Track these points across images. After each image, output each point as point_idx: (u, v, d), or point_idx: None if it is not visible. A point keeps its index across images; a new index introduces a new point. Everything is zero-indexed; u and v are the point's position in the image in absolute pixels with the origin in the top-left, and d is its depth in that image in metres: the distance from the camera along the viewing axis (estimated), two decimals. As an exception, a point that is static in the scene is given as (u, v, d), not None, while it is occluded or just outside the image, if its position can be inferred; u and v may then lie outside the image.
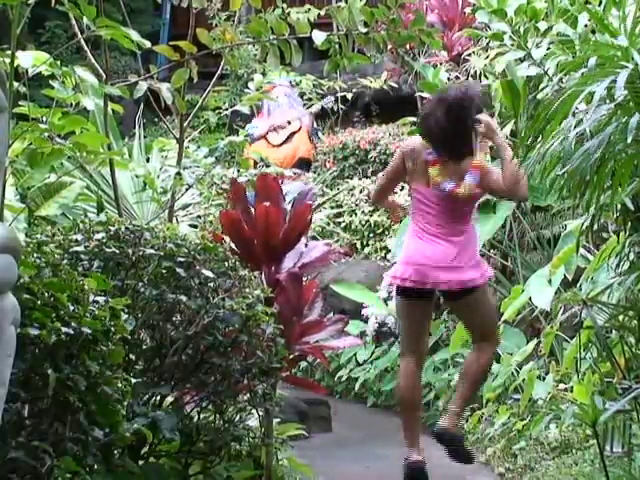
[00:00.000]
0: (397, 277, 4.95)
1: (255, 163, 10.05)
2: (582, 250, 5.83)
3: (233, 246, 4.47)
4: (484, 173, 4.97)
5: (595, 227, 3.89)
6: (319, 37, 4.51)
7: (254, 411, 4.19)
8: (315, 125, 11.56)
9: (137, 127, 8.59)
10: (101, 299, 3.17)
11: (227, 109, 5.73)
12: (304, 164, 11.10)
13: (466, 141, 4.92)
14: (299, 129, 11.33)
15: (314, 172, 10.80)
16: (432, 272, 4.89)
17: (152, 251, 3.79)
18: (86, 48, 4.72)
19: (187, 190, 5.43)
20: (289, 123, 11.32)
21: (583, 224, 4.06)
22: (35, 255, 3.16)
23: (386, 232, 9.41)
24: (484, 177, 4.96)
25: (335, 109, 11.48)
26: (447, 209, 4.96)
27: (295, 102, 11.46)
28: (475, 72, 8.38)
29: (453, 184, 4.91)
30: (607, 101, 3.17)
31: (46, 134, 3.97)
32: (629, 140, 3.13)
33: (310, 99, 11.30)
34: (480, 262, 5.08)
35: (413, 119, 9.13)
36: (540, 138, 3.50)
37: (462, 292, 4.95)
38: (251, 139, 11.21)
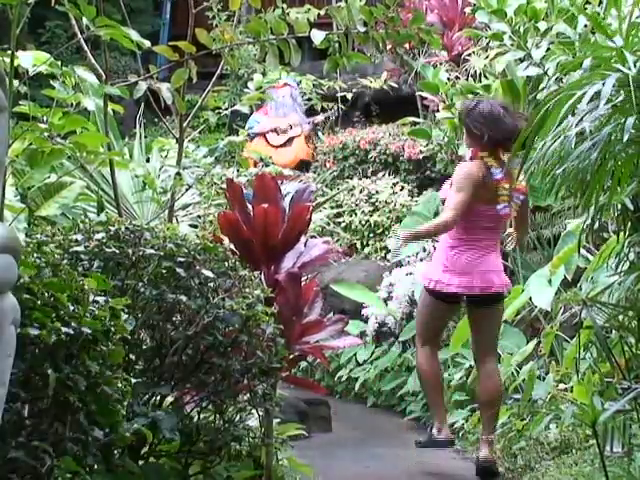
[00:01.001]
0: (461, 287, 5.45)
1: (255, 163, 10.07)
2: (582, 250, 5.83)
3: (232, 247, 4.46)
4: (525, 201, 5.60)
5: (595, 227, 3.90)
6: (318, 36, 4.51)
7: (254, 411, 4.18)
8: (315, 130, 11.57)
9: (137, 127, 8.59)
10: (101, 299, 3.17)
11: (227, 109, 5.71)
12: (303, 165, 11.11)
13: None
14: (299, 135, 11.33)
15: (314, 172, 10.78)
16: (494, 278, 5.50)
17: (152, 251, 3.78)
18: (86, 48, 4.72)
19: (187, 190, 5.43)
20: (291, 127, 11.30)
21: (584, 223, 4.06)
22: (35, 255, 3.15)
23: (386, 232, 9.40)
24: (524, 204, 5.59)
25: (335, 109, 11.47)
26: (496, 223, 5.53)
27: (298, 107, 11.45)
28: (475, 72, 8.38)
29: (508, 209, 5.44)
30: (602, 103, 3.17)
31: (46, 134, 3.96)
32: (624, 140, 3.13)
33: (310, 99, 11.29)
34: None
35: (413, 119, 9.14)
36: (536, 139, 3.50)
37: (496, 299, 5.56)
38: (250, 134, 11.20)
